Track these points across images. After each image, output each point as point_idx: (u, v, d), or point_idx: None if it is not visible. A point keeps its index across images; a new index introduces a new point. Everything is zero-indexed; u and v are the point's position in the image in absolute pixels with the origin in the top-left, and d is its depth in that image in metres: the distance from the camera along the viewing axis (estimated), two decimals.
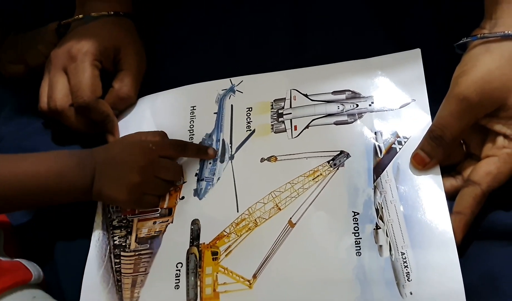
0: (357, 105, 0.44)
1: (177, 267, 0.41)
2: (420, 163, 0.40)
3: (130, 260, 0.43)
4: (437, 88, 0.41)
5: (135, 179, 0.42)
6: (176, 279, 0.41)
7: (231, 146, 0.46)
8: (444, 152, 0.39)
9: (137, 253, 0.43)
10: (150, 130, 0.47)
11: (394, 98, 0.44)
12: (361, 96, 0.45)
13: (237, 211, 0.42)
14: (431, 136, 0.39)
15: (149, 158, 0.43)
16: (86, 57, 0.47)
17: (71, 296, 0.43)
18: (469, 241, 0.37)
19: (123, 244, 0.44)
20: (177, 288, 0.40)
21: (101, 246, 0.44)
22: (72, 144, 0.50)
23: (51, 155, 0.44)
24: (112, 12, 0.51)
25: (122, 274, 0.42)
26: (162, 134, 0.46)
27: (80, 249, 0.44)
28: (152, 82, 0.51)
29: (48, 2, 0.59)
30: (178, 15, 0.56)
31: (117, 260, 0.43)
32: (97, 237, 0.45)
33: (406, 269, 0.37)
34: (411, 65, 0.44)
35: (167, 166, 0.45)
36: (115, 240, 0.44)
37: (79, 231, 0.45)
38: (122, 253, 0.43)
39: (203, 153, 0.46)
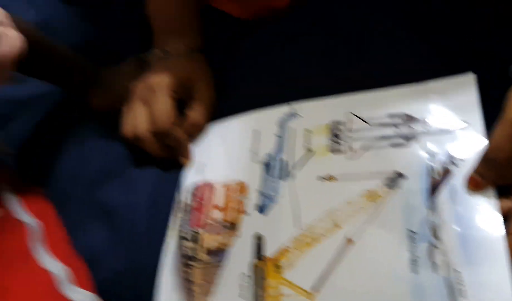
0: (412, 128, 0.46)
1: (242, 279, 0.45)
2: (475, 185, 0.41)
3: (199, 270, 0.47)
4: (492, 111, 0.42)
5: None
6: (241, 290, 0.44)
7: (291, 166, 0.49)
8: (498, 174, 0.40)
9: (205, 264, 0.47)
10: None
11: (448, 121, 0.45)
12: (416, 119, 0.46)
13: (298, 227, 0.45)
14: (485, 159, 0.41)
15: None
16: (164, 89, 0.52)
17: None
18: None
19: (193, 254, 0.48)
20: (243, 298, 0.44)
21: (173, 256, 0.49)
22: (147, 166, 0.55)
23: None
24: (186, 48, 0.56)
25: (194, 284, 0.46)
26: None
27: (154, 260, 0.49)
28: (221, 110, 0.56)
29: (127, 39, 0.65)
30: (241, 48, 0.60)
31: (188, 270, 0.47)
32: (169, 249, 0.49)
33: (461, 287, 0.38)
34: (465, 89, 0.46)
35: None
36: (185, 251, 0.48)
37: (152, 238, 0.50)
38: (192, 263, 0.47)
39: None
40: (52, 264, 0.48)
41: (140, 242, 0.50)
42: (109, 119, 0.60)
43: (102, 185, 0.54)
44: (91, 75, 0.63)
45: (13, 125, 0.63)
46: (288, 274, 0.44)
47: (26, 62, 0.53)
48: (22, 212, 0.51)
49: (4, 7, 0.71)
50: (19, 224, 0.50)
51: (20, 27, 0.51)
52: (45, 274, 0.47)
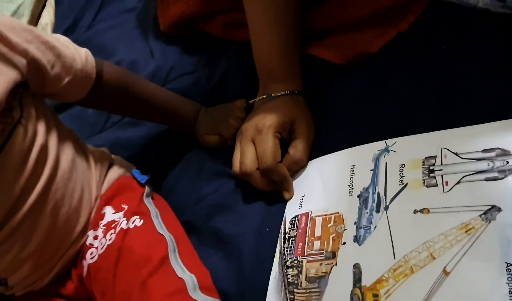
0: (507, 162, 0.47)
1: None
2: None
3: (302, 296, 0.51)
4: None
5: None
6: None
7: (385, 198, 0.52)
8: None
9: (307, 291, 0.51)
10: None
11: None
12: (511, 153, 0.47)
13: (394, 258, 0.47)
14: None
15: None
16: (269, 130, 0.59)
17: None
18: None
19: (295, 281, 0.52)
20: None
21: (278, 282, 0.53)
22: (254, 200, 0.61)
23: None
24: (288, 92, 0.62)
25: None
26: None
27: (260, 284, 0.54)
28: (318, 147, 0.61)
29: (232, 83, 0.73)
30: (336, 89, 0.64)
31: (292, 296, 0.51)
32: (274, 275, 0.54)
33: None
34: None
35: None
36: (289, 278, 0.53)
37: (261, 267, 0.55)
38: (295, 290, 0.51)
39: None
40: (184, 272, 0.55)
41: (249, 268, 0.56)
42: (218, 154, 0.67)
43: (215, 216, 0.61)
44: (196, 115, 0.72)
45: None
46: None
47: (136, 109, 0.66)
48: (163, 226, 0.61)
49: (133, 61, 0.84)
50: (162, 237, 0.59)
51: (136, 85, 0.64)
52: (179, 280, 0.54)
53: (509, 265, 0.42)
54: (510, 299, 0.41)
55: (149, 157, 0.76)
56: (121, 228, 0.60)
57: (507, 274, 0.42)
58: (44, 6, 1.07)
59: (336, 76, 0.65)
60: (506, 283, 0.41)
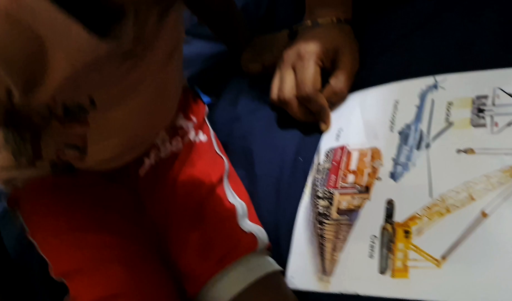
0: None
1: (371, 239, 0.47)
2: None
3: (331, 227, 0.50)
4: None
5: None
6: (370, 249, 0.47)
7: (428, 136, 0.49)
8: None
9: (337, 222, 0.50)
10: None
11: None
12: None
13: (430, 196, 0.46)
14: None
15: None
16: (311, 57, 0.56)
17: (283, 251, 0.53)
18: None
19: (326, 213, 0.51)
20: (371, 257, 0.46)
21: (308, 212, 0.53)
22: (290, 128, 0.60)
23: None
24: (335, 19, 0.59)
25: (325, 239, 0.50)
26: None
27: (292, 212, 0.54)
28: (361, 80, 0.58)
29: (281, 11, 0.70)
30: (387, 20, 0.61)
31: (321, 226, 0.51)
32: (304, 205, 0.53)
33: None
34: None
35: None
36: (319, 209, 0.52)
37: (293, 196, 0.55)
38: (324, 221, 0.51)
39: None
40: (234, 198, 0.56)
41: (281, 197, 0.55)
42: (259, 83, 0.66)
43: (249, 138, 0.61)
44: (249, 38, 0.70)
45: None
46: (417, 240, 0.45)
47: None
48: (218, 148, 0.61)
49: None
50: (220, 158, 0.60)
51: None
52: (230, 206, 0.55)
53: None
54: None
55: (194, 79, 0.75)
56: (189, 138, 0.60)
57: None
58: None
59: (388, 8, 0.61)
60: None
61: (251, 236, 0.53)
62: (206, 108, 0.65)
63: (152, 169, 0.58)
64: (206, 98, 0.66)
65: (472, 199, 0.44)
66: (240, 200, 0.56)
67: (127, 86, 0.47)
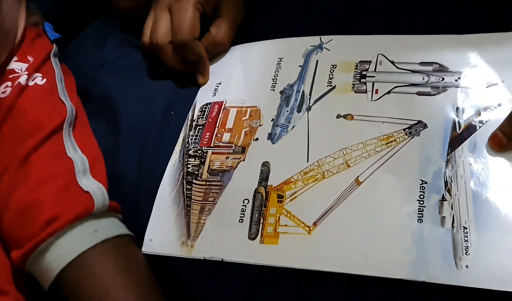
0: (443, 79, 0.44)
1: (243, 203, 0.44)
2: (498, 144, 0.40)
3: (200, 188, 0.46)
4: None
5: None
6: (241, 214, 0.43)
7: (309, 98, 0.47)
8: None
9: (207, 183, 0.46)
10: None
11: (482, 77, 0.43)
12: (448, 70, 0.44)
13: (307, 161, 0.44)
14: None
15: None
16: None
17: (144, 212, 0.47)
18: None
19: (196, 172, 0.47)
20: (241, 222, 0.43)
21: (176, 171, 0.48)
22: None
23: None
24: None
25: (192, 200, 0.46)
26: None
27: (158, 170, 0.48)
28: (245, 33, 0.53)
29: None
30: None
31: (189, 187, 0.46)
32: (173, 163, 0.48)
33: (466, 243, 0.37)
34: (505, 46, 0.43)
35: None
36: (189, 168, 0.47)
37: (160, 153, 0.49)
38: (194, 181, 0.46)
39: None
40: (75, 152, 0.47)
41: (150, 150, 0.49)
42: (130, 24, 0.58)
43: (114, 87, 0.53)
44: None
45: None
46: (290, 205, 0.43)
47: None
48: (66, 93, 0.51)
49: None
50: (62, 104, 0.50)
51: None
52: (67, 160, 0.46)
53: (423, 182, 0.40)
54: (418, 217, 0.39)
55: (60, 18, 0.64)
56: (19, 83, 0.49)
57: (420, 191, 0.40)
58: None
59: None
60: (417, 200, 0.40)
61: (87, 196, 0.45)
62: (55, 47, 0.55)
63: None
64: (53, 34, 0.56)
65: (348, 166, 0.43)
66: (81, 154, 0.48)
67: None
